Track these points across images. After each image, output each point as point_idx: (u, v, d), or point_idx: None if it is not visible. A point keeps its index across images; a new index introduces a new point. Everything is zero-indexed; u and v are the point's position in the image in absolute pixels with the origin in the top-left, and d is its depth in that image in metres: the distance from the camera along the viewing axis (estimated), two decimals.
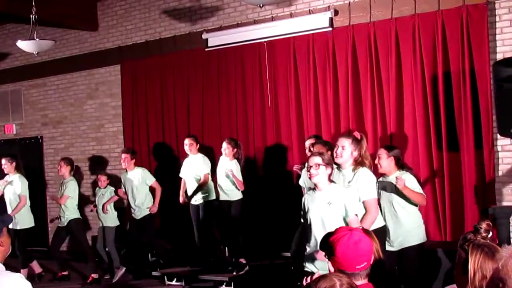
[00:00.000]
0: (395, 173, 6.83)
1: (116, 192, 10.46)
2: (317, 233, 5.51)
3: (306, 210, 5.70)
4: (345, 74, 9.40)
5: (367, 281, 3.23)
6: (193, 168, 9.87)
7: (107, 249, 10.48)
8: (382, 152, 6.89)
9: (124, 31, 12.15)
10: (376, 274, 3.30)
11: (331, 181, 5.65)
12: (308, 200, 5.70)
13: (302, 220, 5.85)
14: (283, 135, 10.08)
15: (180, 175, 10.10)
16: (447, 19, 8.57)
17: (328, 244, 3.26)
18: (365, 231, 3.42)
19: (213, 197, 9.82)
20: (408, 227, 6.74)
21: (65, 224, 10.19)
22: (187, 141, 9.94)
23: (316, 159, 5.55)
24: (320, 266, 5.46)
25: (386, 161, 6.84)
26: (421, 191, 6.84)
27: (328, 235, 3.35)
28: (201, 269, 9.58)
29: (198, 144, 9.98)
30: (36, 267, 10.43)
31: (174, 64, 11.33)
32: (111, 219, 10.54)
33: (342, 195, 5.57)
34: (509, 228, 7.81)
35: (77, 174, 10.81)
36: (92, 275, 10.25)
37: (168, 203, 10.65)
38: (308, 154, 8.15)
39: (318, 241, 5.50)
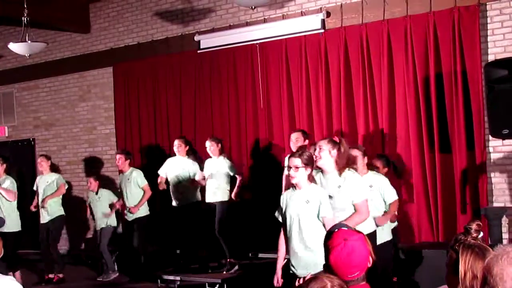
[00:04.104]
0: (367, 174, 6.87)
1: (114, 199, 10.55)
2: (294, 231, 5.59)
3: (285, 207, 5.74)
4: (337, 76, 9.41)
5: (364, 283, 3.24)
6: (181, 169, 9.87)
7: (100, 250, 10.49)
8: (358, 154, 6.90)
9: (116, 33, 12.14)
10: (369, 276, 3.30)
11: (311, 180, 5.70)
12: (287, 198, 5.75)
13: (277, 217, 5.87)
14: (275, 136, 10.09)
15: (161, 172, 10.10)
16: (439, 20, 8.59)
17: (325, 248, 3.28)
18: (363, 236, 3.42)
19: (199, 198, 9.86)
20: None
21: (48, 221, 10.26)
22: (176, 142, 9.97)
23: (296, 161, 5.60)
24: (301, 266, 5.55)
25: (361, 162, 6.86)
26: (393, 194, 6.94)
27: (328, 235, 3.36)
28: (194, 271, 9.57)
29: (188, 146, 10.01)
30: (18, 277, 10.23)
31: (166, 66, 11.33)
32: (110, 220, 10.56)
33: (319, 194, 5.63)
34: (501, 229, 7.84)
35: (56, 169, 10.85)
36: (58, 275, 10.34)
37: (159, 204, 10.65)
38: (294, 149, 8.26)
39: (294, 239, 5.57)
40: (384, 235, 6.89)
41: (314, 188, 5.68)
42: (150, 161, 11.46)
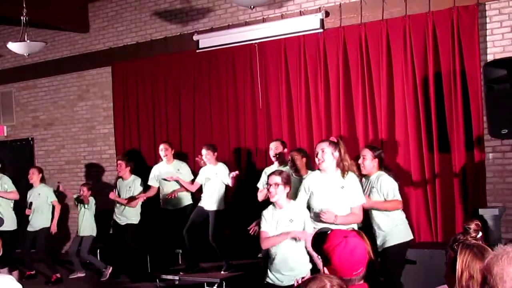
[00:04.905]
0: (376, 173, 6.84)
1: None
2: (282, 249, 5.76)
3: (269, 225, 5.87)
4: (336, 75, 9.40)
5: (362, 281, 3.24)
6: (175, 173, 9.89)
7: (85, 258, 10.60)
8: (367, 153, 6.87)
9: (115, 32, 12.13)
10: (369, 274, 3.31)
11: (289, 199, 5.91)
12: (269, 216, 5.89)
13: (262, 230, 5.96)
14: (274, 136, 10.03)
15: (152, 183, 10.23)
16: (438, 20, 8.59)
17: (323, 251, 3.26)
18: (358, 233, 3.42)
19: (190, 202, 9.89)
20: (385, 229, 6.73)
21: (37, 229, 10.35)
22: (162, 146, 10.03)
23: (276, 179, 5.80)
24: (282, 278, 5.76)
25: (370, 162, 6.84)
26: (396, 195, 6.81)
27: (321, 239, 3.34)
28: (193, 271, 9.56)
29: (173, 149, 10.06)
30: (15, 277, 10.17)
31: (165, 65, 11.32)
32: (90, 228, 10.61)
33: (301, 212, 5.87)
34: (499, 229, 7.82)
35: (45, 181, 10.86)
36: (55, 274, 10.39)
37: (157, 205, 10.66)
38: (273, 158, 8.35)
39: (282, 256, 5.74)
40: (403, 234, 6.86)
41: (295, 207, 5.90)
42: (148, 160, 11.44)
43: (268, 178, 5.92)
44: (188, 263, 9.68)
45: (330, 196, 6.09)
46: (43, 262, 10.58)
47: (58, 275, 10.38)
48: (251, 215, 9.86)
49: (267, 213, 5.91)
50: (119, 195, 10.30)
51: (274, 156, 8.55)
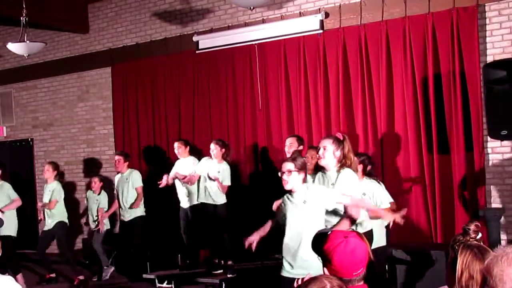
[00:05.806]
0: (365, 180, 6.79)
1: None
2: (294, 232, 5.51)
3: (285, 213, 5.66)
4: (336, 76, 9.41)
5: (362, 283, 3.24)
6: (185, 171, 9.86)
7: (96, 248, 10.49)
8: None
9: (114, 33, 12.14)
10: (368, 275, 3.31)
11: (305, 182, 5.62)
12: (286, 203, 5.66)
13: (278, 220, 5.83)
14: (273, 137, 10.08)
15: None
16: (438, 21, 8.59)
17: (323, 252, 3.24)
18: (357, 233, 3.42)
19: (200, 199, 9.84)
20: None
21: (51, 227, 10.20)
22: (176, 145, 9.98)
23: (288, 165, 5.52)
24: (298, 265, 5.47)
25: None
26: (387, 202, 6.76)
27: (321, 240, 3.33)
28: (192, 272, 9.57)
29: (188, 147, 10.00)
30: (20, 279, 9.63)
31: (165, 66, 11.32)
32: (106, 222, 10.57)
33: (317, 192, 5.55)
34: (499, 230, 7.83)
35: (61, 178, 10.74)
36: (78, 277, 10.25)
37: (158, 205, 10.66)
38: (288, 153, 8.23)
39: (294, 240, 5.48)
40: (378, 240, 6.82)
41: (310, 187, 5.61)
42: (148, 161, 11.46)
43: (281, 166, 5.62)
44: (229, 265, 9.54)
45: None
46: (40, 260, 10.50)
47: (82, 277, 10.26)
48: (252, 215, 9.93)
49: (283, 203, 5.69)
50: (117, 189, 10.34)
51: (288, 152, 8.45)
